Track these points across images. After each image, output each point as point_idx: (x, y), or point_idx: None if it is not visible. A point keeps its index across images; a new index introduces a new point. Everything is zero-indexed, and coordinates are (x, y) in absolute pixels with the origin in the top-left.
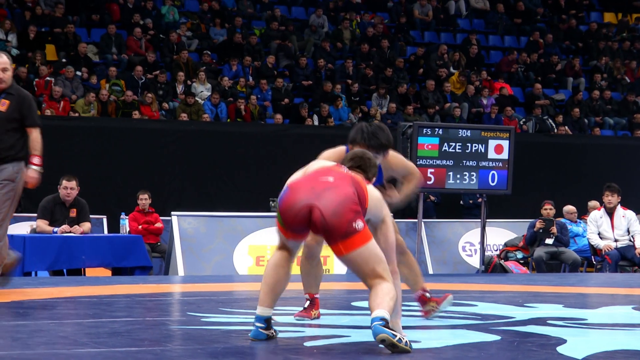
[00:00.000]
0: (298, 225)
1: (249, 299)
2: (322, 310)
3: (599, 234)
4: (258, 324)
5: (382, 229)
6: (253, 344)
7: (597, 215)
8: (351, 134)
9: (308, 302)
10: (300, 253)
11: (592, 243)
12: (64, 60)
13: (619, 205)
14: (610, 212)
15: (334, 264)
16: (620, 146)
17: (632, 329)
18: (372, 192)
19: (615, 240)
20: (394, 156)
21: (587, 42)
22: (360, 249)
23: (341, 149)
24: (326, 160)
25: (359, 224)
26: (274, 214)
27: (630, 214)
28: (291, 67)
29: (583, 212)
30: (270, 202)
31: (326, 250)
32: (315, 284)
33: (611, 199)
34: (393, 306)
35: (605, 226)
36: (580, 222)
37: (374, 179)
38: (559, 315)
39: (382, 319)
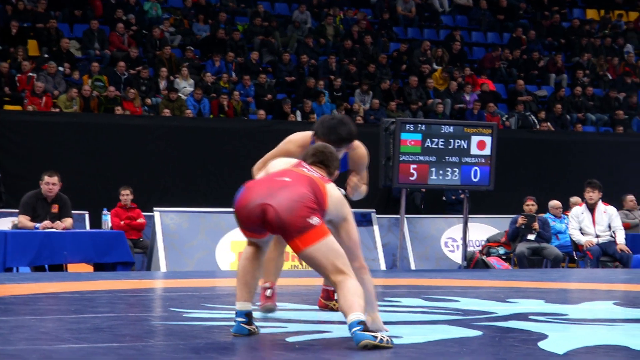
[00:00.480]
0: (252, 224)
1: (232, 295)
2: (304, 306)
3: (580, 229)
4: (239, 319)
5: (344, 226)
6: (235, 339)
7: (578, 211)
8: (315, 126)
9: (270, 291)
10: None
11: (574, 239)
12: (46, 55)
13: (600, 201)
14: (592, 208)
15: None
16: (602, 142)
17: (613, 324)
18: (332, 193)
19: (597, 236)
20: (360, 155)
21: (569, 38)
22: (318, 244)
23: (308, 134)
24: (292, 142)
25: (315, 220)
26: None
27: (612, 209)
28: (274, 63)
29: (565, 208)
30: None
31: None
32: (277, 273)
33: (592, 195)
34: (364, 304)
35: (587, 222)
36: (564, 218)
37: (337, 172)
38: (541, 310)
39: (359, 322)
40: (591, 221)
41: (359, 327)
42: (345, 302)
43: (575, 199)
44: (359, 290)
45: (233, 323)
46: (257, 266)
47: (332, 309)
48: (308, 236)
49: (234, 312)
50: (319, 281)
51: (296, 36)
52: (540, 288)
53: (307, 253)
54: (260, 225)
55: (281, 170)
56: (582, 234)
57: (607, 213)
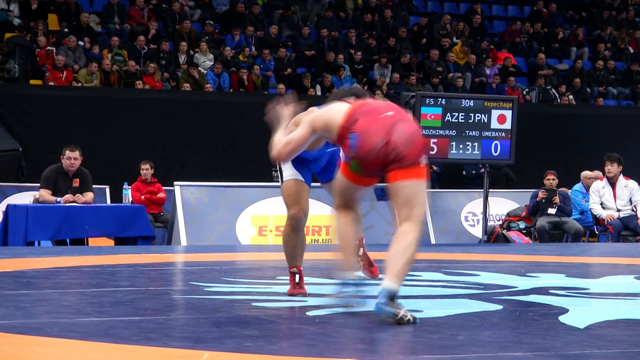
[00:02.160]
0: (375, 168)
1: (252, 269)
2: (325, 280)
3: (601, 204)
4: (357, 287)
5: None
6: (255, 313)
7: (599, 186)
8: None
9: (298, 276)
10: (284, 226)
11: (595, 213)
12: (66, 30)
13: (621, 175)
14: (612, 182)
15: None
16: (624, 116)
17: (634, 298)
18: None
19: (618, 210)
20: None
21: (590, 11)
22: (418, 181)
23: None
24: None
25: (424, 160)
26: (277, 183)
27: (633, 183)
28: (294, 37)
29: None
30: (273, 172)
31: (320, 220)
32: (302, 255)
33: (610, 168)
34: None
35: (608, 196)
36: (586, 194)
37: None
38: (561, 284)
39: (389, 294)
40: (612, 195)
41: (384, 302)
42: (392, 261)
43: (586, 172)
44: (411, 251)
45: (252, 297)
46: (355, 231)
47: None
48: (414, 171)
49: (254, 286)
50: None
51: (316, 10)
52: (561, 262)
53: (405, 184)
54: (381, 168)
55: (377, 106)
56: (603, 208)
57: (629, 187)
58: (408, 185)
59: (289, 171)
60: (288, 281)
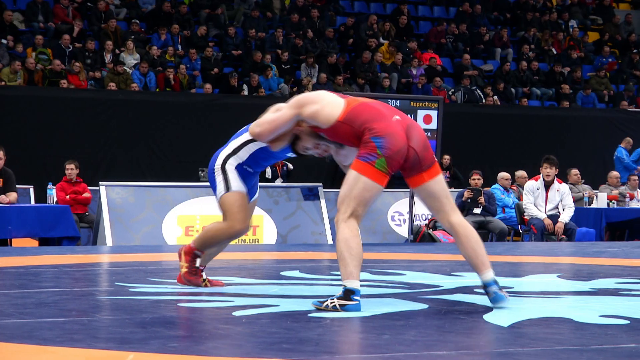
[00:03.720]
0: (397, 168)
1: (178, 269)
2: (251, 280)
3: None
4: (357, 298)
5: None
6: (181, 313)
7: (534, 186)
8: None
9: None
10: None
11: (531, 214)
12: None
13: (556, 178)
14: (547, 185)
15: (263, 234)
16: (547, 117)
17: (557, 296)
18: None
19: (545, 213)
20: None
21: (515, 13)
22: (440, 175)
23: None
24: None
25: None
26: (204, 183)
27: (565, 187)
28: (221, 37)
29: (511, 182)
30: (200, 172)
31: (256, 221)
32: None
33: (550, 171)
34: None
35: (540, 200)
36: (511, 192)
37: None
38: None
39: (497, 283)
40: (544, 199)
41: (499, 287)
42: (478, 254)
43: (521, 172)
44: (481, 240)
45: (178, 297)
46: None
47: None
48: (434, 169)
49: (179, 287)
50: (266, 255)
51: (243, 9)
52: None
53: (433, 182)
54: (397, 170)
55: (381, 108)
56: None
57: (560, 191)
58: (436, 182)
59: (237, 182)
60: (214, 282)
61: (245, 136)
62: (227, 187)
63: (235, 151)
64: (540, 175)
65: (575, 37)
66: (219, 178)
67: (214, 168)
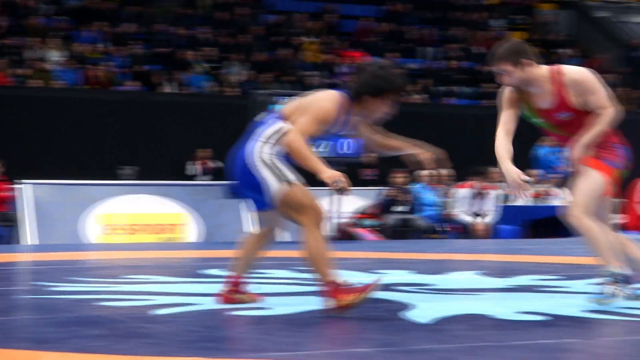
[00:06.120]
0: None
1: (98, 268)
2: (173, 279)
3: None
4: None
5: None
6: (100, 312)
7: (467, 194)
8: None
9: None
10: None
11: (468, 221)
12: None
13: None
14: (478, 193)
15: (188, 232)
16: (471, 115)
17: (475, 293)
18: None
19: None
20: None
21: (441, 12)
22: None
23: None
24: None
25: None
26: (128, 182)
27: (492, 192)
28: (147, 34)
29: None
30: (117, 170)
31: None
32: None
33: (480, 183)
34: None
35: (476, 206)
36: (435, 190)
37: None
38: (407, 281)
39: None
40: (478, 205)
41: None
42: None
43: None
44: None
45: (98, 297)
46: None
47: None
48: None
49: (100, 285)
50: (187, 254)
51: (169, 7)
52: (408, 259)
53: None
54: None
55: None
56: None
57: (490, 196)
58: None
59: (291, 174)
60: (133, 280)
61: (276, 126)
62: (285, 180)
63: (270, 141)
64: (472, 184)
65: (497, 37)
66: (266, 172)
67: (253, 163)
